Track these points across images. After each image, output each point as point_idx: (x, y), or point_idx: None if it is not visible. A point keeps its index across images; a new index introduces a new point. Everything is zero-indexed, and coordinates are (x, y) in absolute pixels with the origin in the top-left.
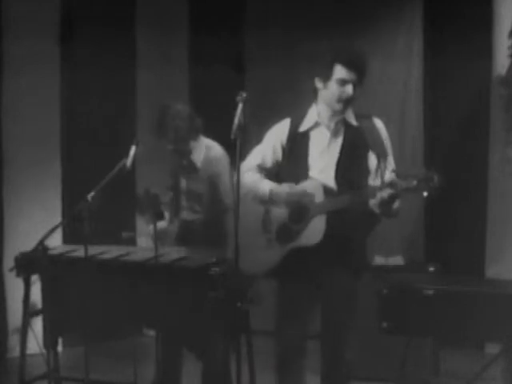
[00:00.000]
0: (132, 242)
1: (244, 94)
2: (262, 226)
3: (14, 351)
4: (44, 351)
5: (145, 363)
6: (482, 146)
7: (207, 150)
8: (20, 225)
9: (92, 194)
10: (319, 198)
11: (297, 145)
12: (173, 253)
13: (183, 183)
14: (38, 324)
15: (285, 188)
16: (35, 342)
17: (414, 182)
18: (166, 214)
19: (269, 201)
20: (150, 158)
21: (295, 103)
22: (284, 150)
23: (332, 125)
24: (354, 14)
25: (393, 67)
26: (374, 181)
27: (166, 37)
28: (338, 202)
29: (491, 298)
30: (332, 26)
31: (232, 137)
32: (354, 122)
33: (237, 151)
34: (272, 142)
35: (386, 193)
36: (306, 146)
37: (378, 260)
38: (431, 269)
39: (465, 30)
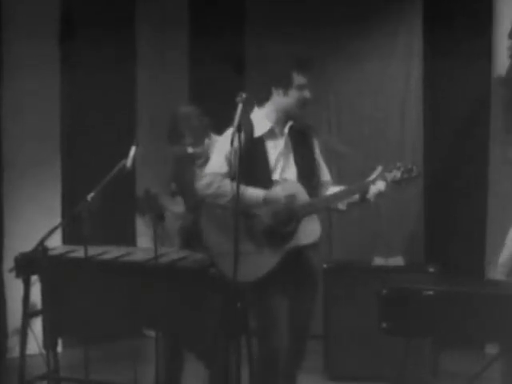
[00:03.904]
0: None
1: (244, 95)
2: (246, 233)
3: (14, 352)
4: (44, 352)
5: (145, 363)
6: (482, 146)
7: None
8: (20, 225)
9: (92, 194)
10: (302, 197)
11: (254, 149)
12: (173, 253)
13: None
14: (37, 324)
15: (278, 191)
16: (35, 343)
17: (398, 174)
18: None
19: (262, 204)
20: (150, 159)
21: None
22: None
23: (286, 128)
24: (355, 15)
25: (393, 67)
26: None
27: (166, 37)
28: (326, 200)
29: (491, 298)
30: (332, 27)
31: (232, 137)
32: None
33: (238, 151)
34: (228, 148)
35: (380, 185)
36: (263, 150)
37: (378, 260)
38: (431, 269)
39: (465, 29)
